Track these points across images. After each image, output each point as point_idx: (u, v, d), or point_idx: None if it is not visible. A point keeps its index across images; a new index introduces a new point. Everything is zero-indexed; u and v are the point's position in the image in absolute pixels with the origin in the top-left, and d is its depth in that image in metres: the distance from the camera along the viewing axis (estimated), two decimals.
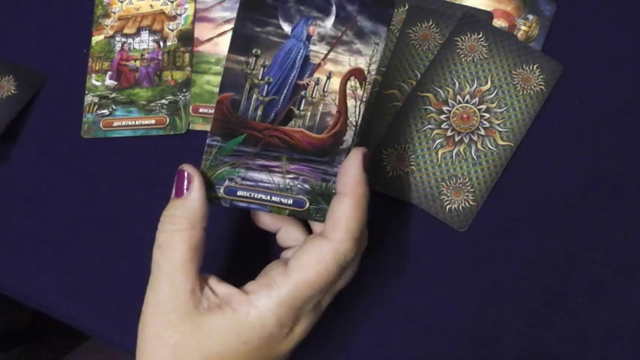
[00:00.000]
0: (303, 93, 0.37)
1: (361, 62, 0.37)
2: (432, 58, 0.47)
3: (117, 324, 0.45)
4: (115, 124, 0.48)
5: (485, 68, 0.47)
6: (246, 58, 0.36)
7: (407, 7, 0.48)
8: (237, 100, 0.37)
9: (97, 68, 0.49)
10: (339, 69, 0.37)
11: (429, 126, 0.46)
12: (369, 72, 0.37)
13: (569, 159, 0.46)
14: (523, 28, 0.48)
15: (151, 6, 0.50)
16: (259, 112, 0.37)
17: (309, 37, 0.36)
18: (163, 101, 0.48)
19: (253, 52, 0.36)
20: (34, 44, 0.51)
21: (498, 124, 0.46)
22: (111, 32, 0.50)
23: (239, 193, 0.38)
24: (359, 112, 0.38)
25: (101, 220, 0.47)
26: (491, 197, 0.46)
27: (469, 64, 0.47)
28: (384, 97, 0.47)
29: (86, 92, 0.49)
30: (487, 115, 0.46)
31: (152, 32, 0.49)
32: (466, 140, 0.46)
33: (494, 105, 0.47)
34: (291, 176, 0.38)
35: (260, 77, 0.37)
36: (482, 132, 0.46)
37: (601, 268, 0.45)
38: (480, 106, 0.47)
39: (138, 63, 0.49)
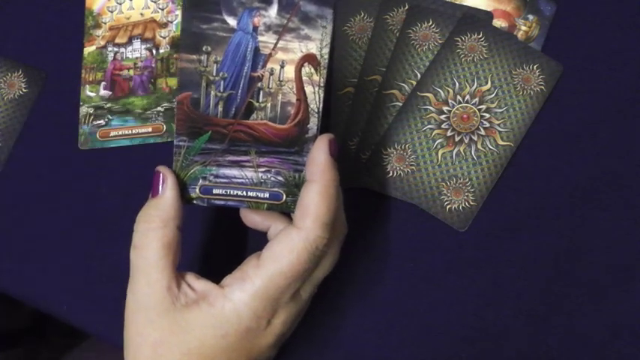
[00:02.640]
0: (259, 85, 0.37)
1: (312, 47, 0.37)
2: (432, 58, 0.47)
3: (117, 323, 0.45)
4: (112, 134, 0.48)
5: (485, 68, 0.47)
6: (198, 56, 0.37)
7: (407, 7, 0.48)
8: (196, 99, 0.37)
9: (90, 79, 0.49)
10: (291, 57, 0.37)
11: (429, 126, 0.46)
12: (321, 56, 0.37)
13: (569, 159, 0.46)
14: (523, 28, 0.48)
15: (141, 14, 0.50)
16: (220, 108, 0.37)
17: (255, 29, 0.37)
18: (159, 109, 0.48)
19: (204, 49, 0.36)
20: (31, 44, 0.51)
21: (498, 124, 0.46)
22: (102, 42, 0.49)
23: (214, 191, 0.39)
24: (319, 99, 0.37)
25: (101, 222, 0.47)
26: (491, 197, 0.46)
27: (469, 64, 0.47)
28: (384, 97, 0.47)
29: (81, 104, 0.49)
30: (487, 115, 0.46)
31: (144, 40, 0.49)
32: (466, 140, 0.46)
33: (494, 105, 0.47)
34: (263, 169, 0.38)
35: (214, 73, 0.37)
36: (483, 132, 0.46)
37: (601, 268, 0.45)
38: (480, 106, 0.47)
39: (131, 72, 0.49)
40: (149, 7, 0.50)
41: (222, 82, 0.37)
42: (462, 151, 0.46)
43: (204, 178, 0.38)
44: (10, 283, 0.48)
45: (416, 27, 0.48)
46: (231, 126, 0.38)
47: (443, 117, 0.46)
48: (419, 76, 0.47)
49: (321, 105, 0.37)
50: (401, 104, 0.47)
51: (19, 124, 0.49)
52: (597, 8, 0.48)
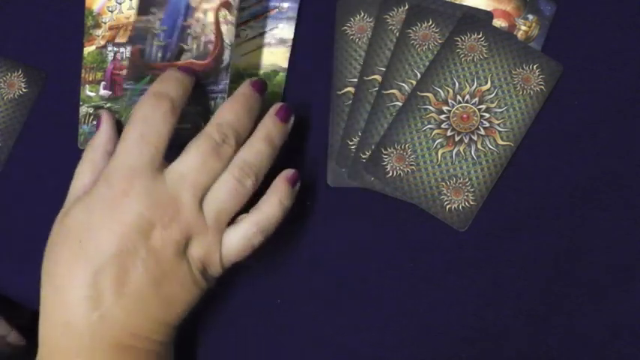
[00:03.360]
0: (188, 31, 0.45)
1: None
2: (432, 58, 0.47)
3: None
4: None
5: (485, 68, 0.47)
6: (147, 17, 0.46)
7: (407, 7, 0.48)
8: (143, 50, 0.46)
9: (90, 79, 0.49)
10: (212, 5, 0.45)
11: (429, 126, 0.46)
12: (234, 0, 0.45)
13: (569, 159, 0.46)
14: (523, 28, 0.48)
15: None
16: (159, 55, 0.46)
17: None
18: None
19: (152, 11, 0.46)
20: (31, 44, 0.51)
21: (498, 124, 0.46)
22: (102, 42, 0.49)
23: None
24: (232, 34, 0.45)
25: None
26: (491, 197, 0.46)
27: (469, 64, 0.47)
28: (384, 97, 0.47)
29: (81, 103, 0.49)
30: (487, 115, 0.46)
31: None
32: (466, 140, 0.46)
33: (494, 105, 0.47)
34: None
35: (157, 27, 0.46)
36: (482, 132, 0.46)
37: (601, 268, 0.45)
38: (479, 106, 0.47)
39: None
40: None
41: (162, 34, 0.46)
42: (461, 150, 0.46)
43: None
44: (10, 283, 0.48)
45: (416, 27, 0.48)
46: (165, 69, 0.44)
47: (443, 117, 0.46)
48: (419, 76, 0.47)
49: (234, 39, 0.45)
50: (401, 104, 0.47)
51: (19, 124, 0.49)
52: (597, 8, 0.48)
